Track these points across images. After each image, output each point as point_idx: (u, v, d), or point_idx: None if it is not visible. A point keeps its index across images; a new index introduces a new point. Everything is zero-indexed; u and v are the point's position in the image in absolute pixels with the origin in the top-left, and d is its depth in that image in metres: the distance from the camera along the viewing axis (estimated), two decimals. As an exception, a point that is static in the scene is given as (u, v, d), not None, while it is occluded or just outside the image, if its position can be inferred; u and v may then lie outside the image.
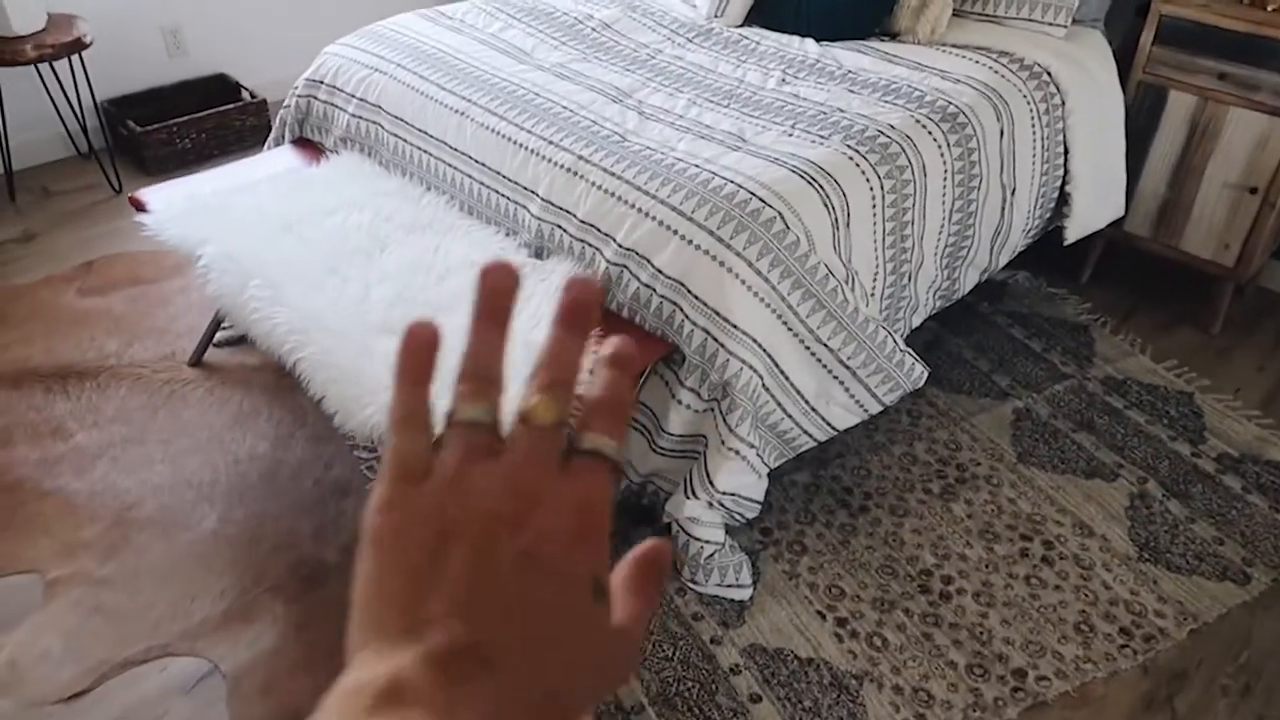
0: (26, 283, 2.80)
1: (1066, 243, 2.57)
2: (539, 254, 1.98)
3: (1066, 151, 2.41)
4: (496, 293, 0.37)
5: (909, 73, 2.28)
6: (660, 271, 1.78)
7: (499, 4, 2.65)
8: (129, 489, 2.12)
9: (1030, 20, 2.48)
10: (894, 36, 2.53)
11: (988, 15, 2.53)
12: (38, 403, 2.35)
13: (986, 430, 2.33)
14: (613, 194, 1.85)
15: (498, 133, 2.05)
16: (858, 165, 1.92)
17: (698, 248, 1.74)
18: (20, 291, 2.76)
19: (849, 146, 1.95)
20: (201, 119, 3.33)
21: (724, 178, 1.82)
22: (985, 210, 2.24)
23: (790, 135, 2.00)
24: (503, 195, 2.05)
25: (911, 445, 2.28)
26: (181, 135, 3.31)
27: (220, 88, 3.57)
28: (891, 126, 2.03)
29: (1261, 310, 2.76)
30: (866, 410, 1.93)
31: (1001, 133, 2.22)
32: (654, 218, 1.80)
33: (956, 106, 2.15)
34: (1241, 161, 2.46)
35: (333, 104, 2.40)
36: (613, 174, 1.87)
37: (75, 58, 3.03)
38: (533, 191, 1.98)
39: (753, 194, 1.78)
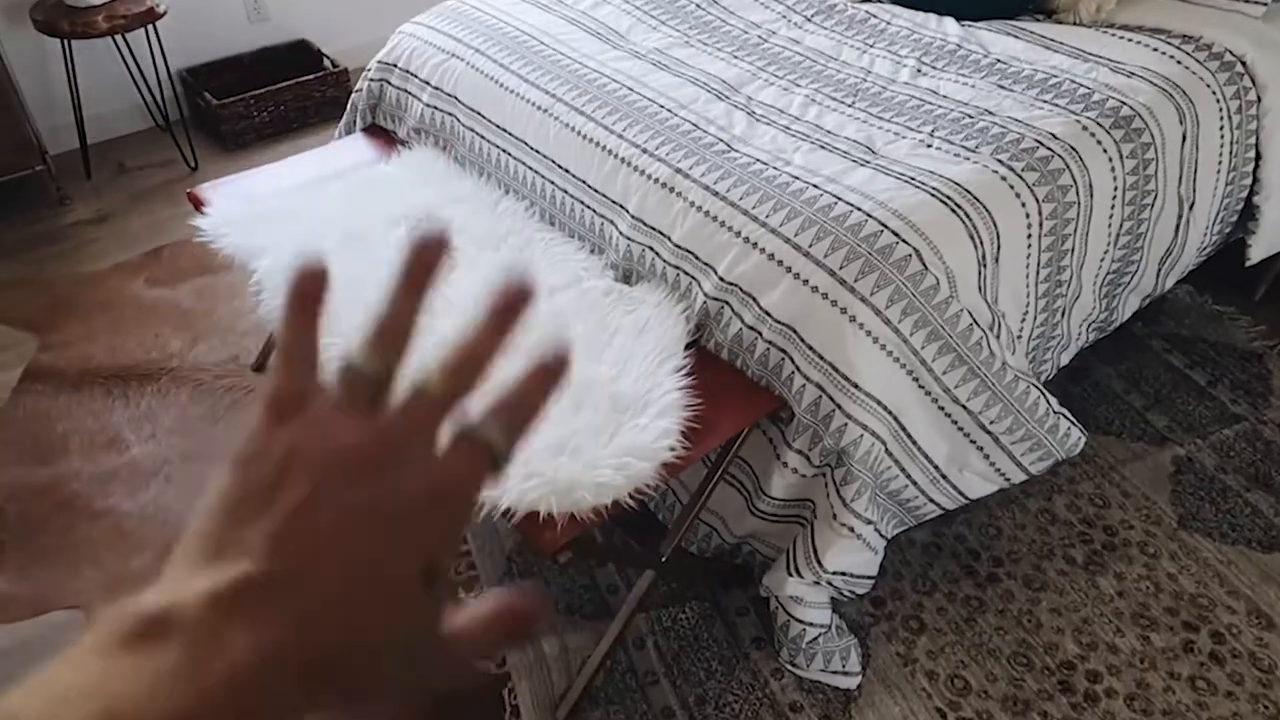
0: (97, 270, 2.68)
1: (1250, 263, 2.18)
2: (627, 278, 1.73)
3: (1259, 156, 2.02)
4: (424, 264, 0.36)
5: (1071, 63, 1.92)
6: (768, 313, 1.50)
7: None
8: (181, 513, 1.97)
9: (1224, -5, 2.07)
10: (1050, 15, 2.15)
11: (1169, -11, 2.13)
12: (96, 407, 2.22)
13: (1141, 484, 2.00)
14: (714, 217, 1.58)
15: (584, 135, 1.79)
16: (1011, 186, 1.60)
17: (814, 289, 1.46)
18: (90, 280, 2.64)
19: (1001, 162, 1.62)
20: (279, 90, 3.15)
21: (848, 203, 1.52)
22: (1157, 229, 1.88)
23: (929, 146, 1.68)
24: (588, 207, 1.79)
25: (1050, 500, 1.96)
26: (260, 108, 3.13)
27: (302, 55, 3.38)
28: (1053, 135, 1.69)
29: None
30: (1009, 479, 1.63)
31: (1184, 138, 1.85)
32: (762, 249, 1.52)
33: (1131, 108, 1.79)
34: None
35: (406, 90, 2.17)
36: (715, 193, 1.59)
37: (150, 27, 2.86)
38: (622, 206, 1.72)
39: (884, 225, 1.48)
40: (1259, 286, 2.44)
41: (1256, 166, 2.03)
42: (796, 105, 1.82)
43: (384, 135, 2.26)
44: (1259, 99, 1.98)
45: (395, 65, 2.19)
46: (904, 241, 1.46)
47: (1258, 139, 2.00)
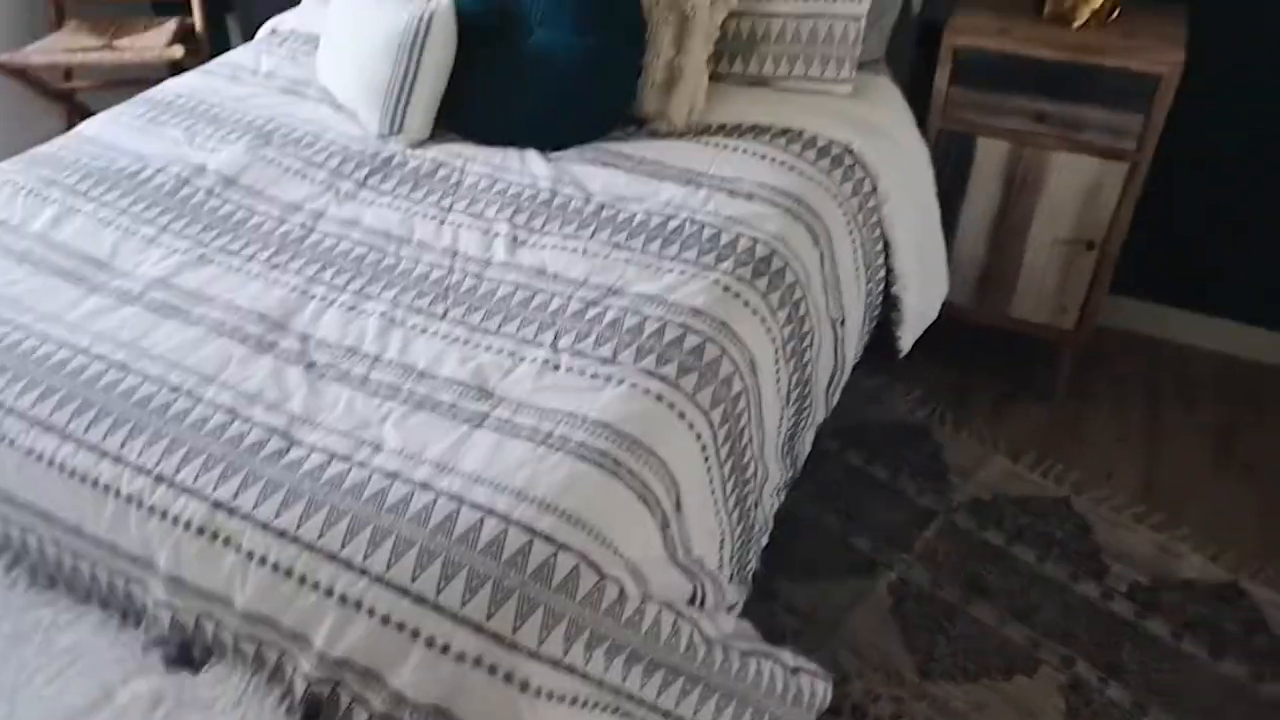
0: None
1: (902, 354, 2.05)
2: (186, 655, 1.16)
3: (888, 246, 1.87)
4: None
5: (684, 193, 1.62)
6: (403, 697, 1.03)
7: (47, 169, 1.71)
8: None
9: (808, 79, 1.89)
10: (641, 125, 1.85)
11: (753, 77, 1.91)
12: None
13: (869, 633, 1.78)
14: (289, 571, 1.07)
15: (55, 463, 1.19)
16: (672, 405, 1.25)
17: (460, 657, 1.01)
18: None
19: (649, 372, 1.27)
20: None
21: (475, 504, 1.08)
22: (819, 364, 1.65)
23: (557, 368, 1.28)
24: (98, 565, 1.19)
25: (788, 689, 1.68)
26: None
27: None
28: (696, 311, 1.37)
29: (1100, 358, 2.40)
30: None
31: (821, 259, 1.63)
32: (371, 610, 1.04)
33: (767, 244, 1.52)
34: (1072, 213, 2.03)
35: None
36: (281, 533, 1.08)
37: None
38: (148, 563, 1.15)
39: (531, 531, 1.06)
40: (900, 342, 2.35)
41: (887, 257, 1.88)
42: (372, 333, 1.35)
43: None
44: (874, 188, 1.82)
45: None
46: (563, 548, 1.05)
47: (883, 229, 1.85)
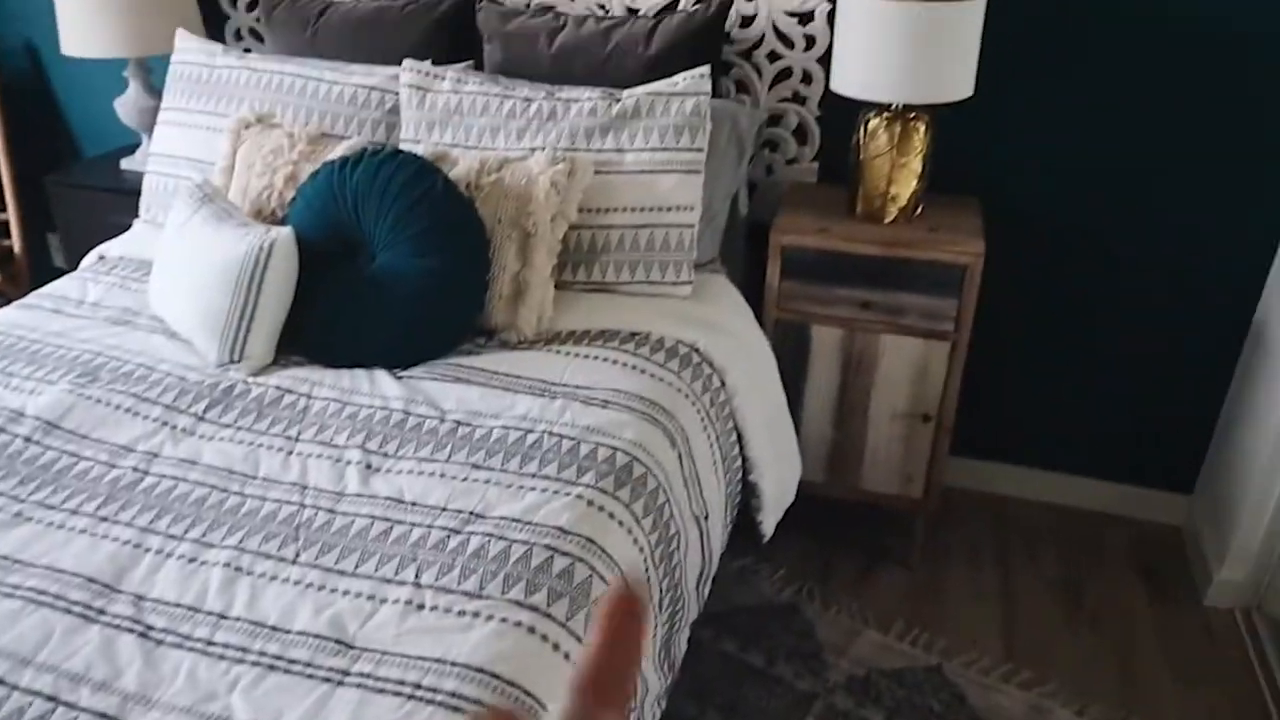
0: None
1: (765, 539, 2.08)
2: None
3: (741, 438, 1.92)
4: (628, 612, 0.39)
5: (540, 405, 1.63)
6: None
7: None
8: None
9: (649, 283, 1.97)
10: (491, 335, 1.87)
11: (597, 284, 1.98)
12: None
13: (766, 841, 1.71)
14: None
15: None
16: (545, 637, 1.20)
17: None
18: None
19: (519, 603, 1.23)
20: None
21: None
22: (688, 562, 1.64)
23: (422, 607, 1.22)
24: None
25: None
26: None
27: None
28: (563, 530, 1.35)
29: (951, 520, 2.50)
30: None
31: (680, 459, 1.65)
32: None
33: (626, 452, 1.53)
34: (906, 389, 2.15)
35: None
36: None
37: None
38: None
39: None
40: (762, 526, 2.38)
41: (742, 447, 1.93)
42: (216, 587, 1.26)
43: None
44: (723, 383, 1.88)
45: None
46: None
47: (735, 421, 1.90)
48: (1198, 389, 2.35)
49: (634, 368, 1.75)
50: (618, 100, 1.98)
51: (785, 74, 2.30)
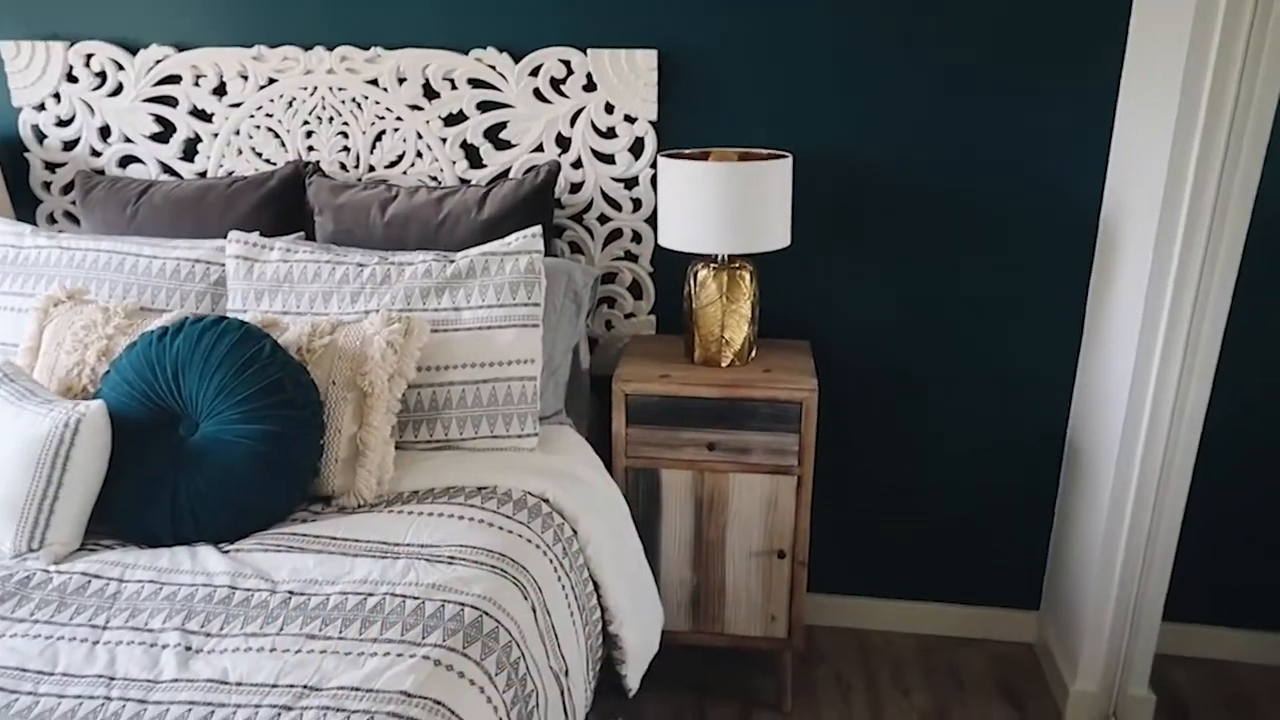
0: None
1: (631, 692, 1.99)
2: None
3: (598, 586, 1.86)
4: None
5: (381, 567, 1.54)
6: None
7: None
8: None
9: (494, 437, 1.94)
10: (328, 503, 1.78)
11: (440, 441, 1.93)
12: None
13: None
14: None
15: None
16: (389, 814, 1.08)
17: None
18: None
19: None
20: None
21: None
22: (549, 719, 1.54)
23: (245, 798, 1.09)
24: None
25: None
26: None
27: None
28: (407, 695, 1.25)
29: (818, 657, 2.47)
30: None
31: (534, 611, 1.58)
32: None
33: (475, 607, 1.45)
34: (759, 526, 2.16)
35: None
36: None
37: None
38: None
39: None
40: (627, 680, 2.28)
41: (600, 597, 1.87)
42: (-3, 803, 1.08)
43: None
44: (575, 531, 1.84)
45: None
46: None
47: (590, 570, 1.85)
48: (1029, 509, 2.47)
49: (481, 521, 1.69)
50: (451, 261, 2.00)
51: (616, 234, 2.40)
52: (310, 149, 2.43)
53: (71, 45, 2.45)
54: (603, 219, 2.39)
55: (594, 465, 2.05)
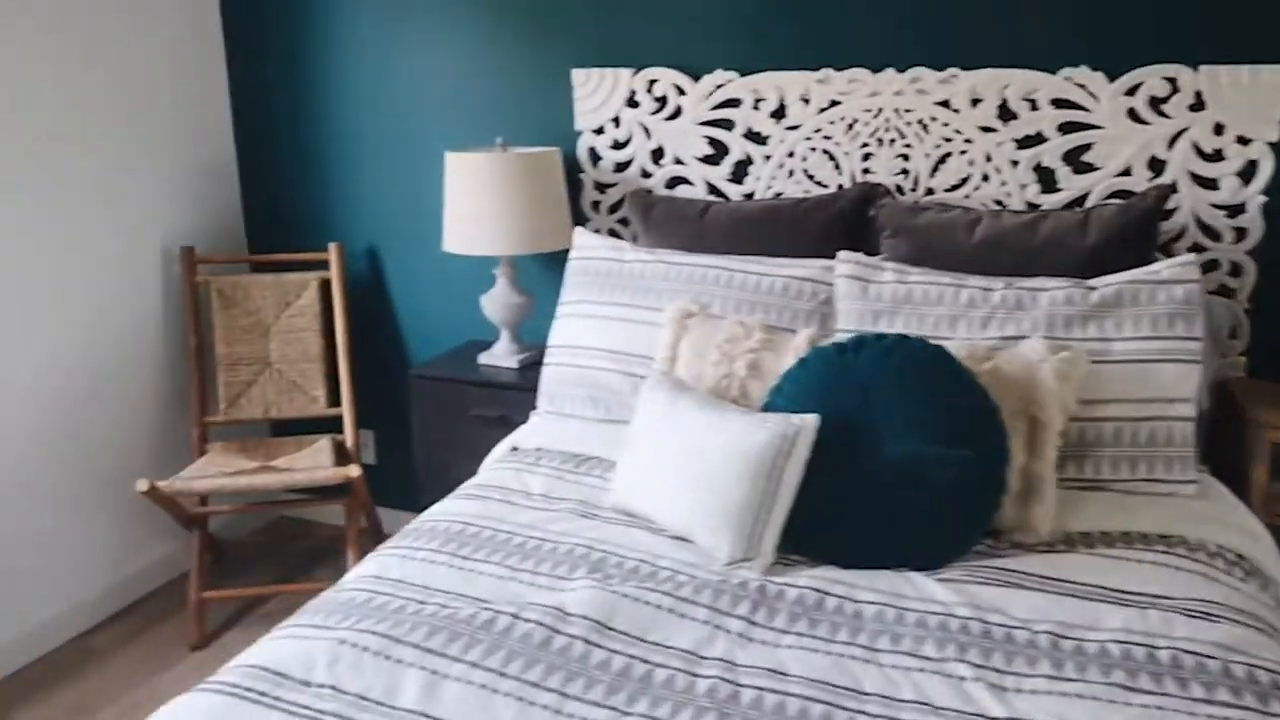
0: None
1: None
2: None
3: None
4: None
5: (1123, 615, 1.41)
6: None
7: (370, 621, 1.42)
8: None
9: (1150, 480, 1.78)
10: (997, 535, 1.69)
11: (1089, 481, 1.80)
12: None
13: None
14: None
15: None
16: None
17: None
18: None
19: None
20: None
21: None
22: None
23: None
24: None
25: None
26: None
27: None
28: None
29: None
30: None
31: (1301, 684, 1.39)
32: None
33: (1268, 669, 1.29)
34: None
35: None
36: None
37: None
38: None
39: None
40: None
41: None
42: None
43: None
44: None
45: None
46: None
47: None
48: None
49: (1203, 575, 1.53)
50: (1093, 289, 1.87)
51: (1211, 265, 2.19)
52: (866, 171, 2.40)
53: (637, 72, 2.56)
54: (1197, 248, 2.19)
55: (1251, 517, 1.84)
